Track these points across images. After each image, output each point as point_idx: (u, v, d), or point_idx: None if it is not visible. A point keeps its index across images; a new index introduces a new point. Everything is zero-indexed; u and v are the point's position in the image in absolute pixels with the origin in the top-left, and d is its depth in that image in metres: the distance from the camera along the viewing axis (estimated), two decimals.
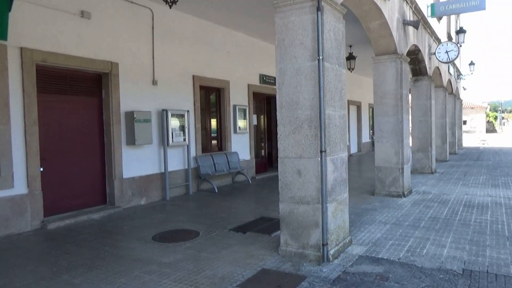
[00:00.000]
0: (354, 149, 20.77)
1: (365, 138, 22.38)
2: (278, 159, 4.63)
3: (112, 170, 7.49)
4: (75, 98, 7.09)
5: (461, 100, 24.38)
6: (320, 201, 4.35)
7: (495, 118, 68.84)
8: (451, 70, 18.26)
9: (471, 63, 21.53)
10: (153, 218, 6.74)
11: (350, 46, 13.08)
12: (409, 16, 9.13)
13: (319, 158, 4.33)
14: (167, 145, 8.50)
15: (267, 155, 13.19)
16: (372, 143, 23.32)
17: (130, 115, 7.70)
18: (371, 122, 23.40)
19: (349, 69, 13.40)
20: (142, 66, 8.11)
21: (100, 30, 7.24)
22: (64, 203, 6.84)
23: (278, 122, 4.60)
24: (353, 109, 20.63)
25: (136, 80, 7.97)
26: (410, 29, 9.25)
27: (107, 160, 7.55)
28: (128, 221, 6.57)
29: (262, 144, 13.01)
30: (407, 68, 8.63)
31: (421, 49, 10.56)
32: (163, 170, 8.55)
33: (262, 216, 6.69)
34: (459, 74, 21.98)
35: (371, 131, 23.72)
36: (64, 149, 6.88)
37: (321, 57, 4.29)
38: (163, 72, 8.60)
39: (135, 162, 7.93)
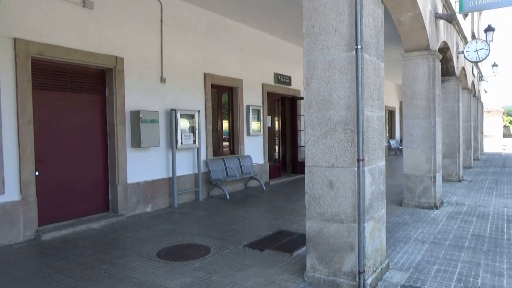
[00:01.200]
0: None
1: None
2: (305, 168, 3.92)
3: (115, 174, 6.85)
4: (75, 95, 6.47)
5: (483, 104, 23.38)
6: (357, 219, 3.63)
7: (510, 122, 67.42)
8: (475, 71, 17.35)
9: (494, 65, 20.55)
10: (159, 229, 6.07)
11: None
12: (440, 9, 8.35)
13: (356, 168, 3.61)
14: (176, 148, 7.84)
15: (281, 159, 12.47)
16: (389, 147, 22.45)
17: (135, 115, 7.06)
18: (388, 126, 22.53)
19: None
20: (149, 62, 7.47)
21: (103, 21, 6.62)
22: (61, 210, 6.22)
23: (305, 125, 3.89)
24: None
25: (142, 77, 7.33)
26: (441, 24, 8.47)
27: (110, 163, 6.91)
28: (131, 232, 5.91)
29: (276, 147, 12.29)
30: (439, 66, 7.85)
31: (449, 46, 9.75)
32: (171, 175, 7.89)
33: (281, 229, 5.97)
34: (481, 76, 21.01)
35: (387, 135, 22.84)
36: (62, 151, 6.25)
37: (359, 47, 3.57)
38: (172, 69, 7.95)
39: (140, 166, 7.29)
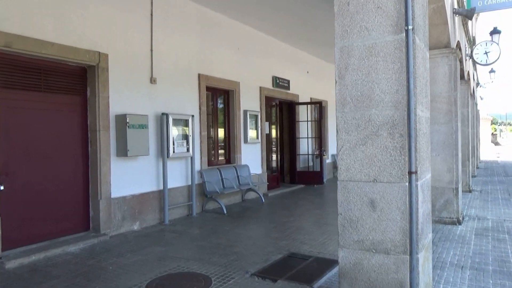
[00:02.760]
0: None
1: None
2: (338, 182, 3.10)
3: (97, 187, 5.93)
4: (51, 96, 5.56)
5: (479, 111, 23.04)
6: (408, 249, 2.81)
7: (495, 130, 68.47)
8: (475, 76, 16.90)
9: (492, 71, 20.16)
10: (148, 253, 5.17)
11: None
12: (456, 5, 7.70)
13: (407, 183, 2.81)
14: (168, 157, 6.95)
15: (279, 168, 11.64)
16: None
17: (121, 120, 6.17)
18: None
19: None
20: (138, 59, 6.61)
21: (85, 11, 5.75)
22: (31, 231, 5.26)
23: (337, 128, 3.08)
24: None
25: (130, 76, 6.46)
26: (456, 21, 7.81)
27: (91, 175, 5.99)
28: (115, 257, 4.98)
29: (274, 155, 11.47)
30: (459, 66, 7.17)
31: (461, 47, 9.12)
32: (161, 187, 6.98)
33: (291, 252, 5.12)
34: (477, 82, 20.62)
35: None
36: (34, 161, 5.32)
37: (410, 27, 2.79)
38: (163, 68, 7.10)
39: (127, 178, 6.38)
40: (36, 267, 4.63)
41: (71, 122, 5.81)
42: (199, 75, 7.95)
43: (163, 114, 6.94)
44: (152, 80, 6.82)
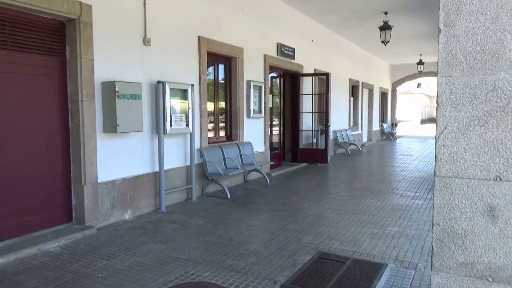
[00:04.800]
0: (365, 138, 18.50)
1: (375, 125, 20.13)
2: (436, 179, 2.14)
3: (80, 170, 4.88)
4: (19, 56, 4.40)
5: None
6: None
7: None
8: None
9: None
10: (146, 252, 4.21)
11: (386, 13, 10.60)
12: None
13: None
14: (164, 133, 5.91)
15: (282, 146, 10.70)
16: (382, 131, 21.16)
17: (109, 88, 5.07)
18: (380, 109, 21.16)
19: (383, 42, 10.94)
20: (128, 14, 5.44)
21: None
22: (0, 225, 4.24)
23: (439, 100, 2.10)
24: (365, 92, 18.27)
25: (119, 34, 5.31)
26: None
27: (73, 155, 4.93)
28: (105, 259, 4.02)
29: (276, 131, 10.51)
30: None
31: None
32: (157, 169, 5.98)
33: (321, 251, 4.24)
34: None
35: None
36: None
37: None
38: (158, 27, 5.94)
39: (116, 158, 5.34)
40: (3, 275, 3.64)
41: (47, 89, 4.68)
42: (199, 37, 6.81)
43: (158, 82, 5.84)
44: (146, 41, 5.67)
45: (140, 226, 5.15)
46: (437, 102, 2.18)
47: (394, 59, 20.23)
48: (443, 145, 2.15)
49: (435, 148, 2.18)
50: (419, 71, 19.63)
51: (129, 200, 5.53)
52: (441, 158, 2.17)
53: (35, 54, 4.55)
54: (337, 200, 6.65)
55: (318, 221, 5.42)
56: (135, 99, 5.32)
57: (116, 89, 5.02)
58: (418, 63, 18.91)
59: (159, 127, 5.86)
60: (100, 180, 5.09)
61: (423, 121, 51.66)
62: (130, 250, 4.26)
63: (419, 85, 53.36)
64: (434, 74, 21.43)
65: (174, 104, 6.10)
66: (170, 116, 5.98)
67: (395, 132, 22.65)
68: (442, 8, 2.09)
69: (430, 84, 53.00)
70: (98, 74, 4.99)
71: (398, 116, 25.38)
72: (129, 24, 5.44)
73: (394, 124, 23.02)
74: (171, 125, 6.00)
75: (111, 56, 5.18)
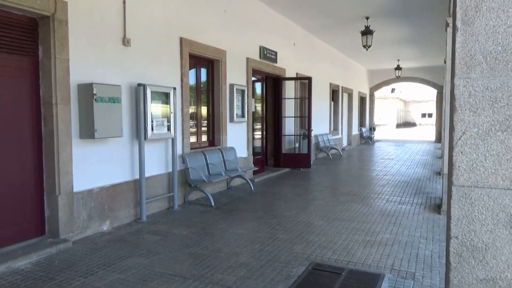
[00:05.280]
0: (345, 142, 18.56)
1: (355, 130, 20.26)
2: (453, 188, 1.98)
3: (54, 179, 4.52)
4: None
5: None
6: None
7: None
8: None
9: None
10: (127, 267, 3.91)
11: (367, 18, 10.61)
12: None
13: None
14: (145, 139, 5.60)
15: (264, 151, 10.50)
16: (361, 135, 21.31)
17: (86, 90, 4.74)
18: (359, 113, 21.32)
19: (364, 46, 10.94)
20: (107, 12, 5.13)
21: None
22: None
23: (455, 103, 1.93)
24: (345, 97, 18.36)
25: (97, 33, 4.99)
26: None
27: (46, 163, 4.56)
28: (83, 277, 3.69)
29: (258, 136, 10.31)
30: None
31: None
32: (137, 177, 5.66)
33: (314, 262, 4.04)
34: None
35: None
36: None
37: None
38: (139, 27, 5.65)
39: (94, 166, 5.00)
40: None
41: (17, 92, 4.32)
42: (181, 39, 6.54)
43: (139, 85, 5.54)
44: (126, 41, 5.37)
45: (120, 238, 4.82)
46: (454, 105, 2.00)
47: (372, 64, 20.45)
48: (461, 152, 1.98)
49: (453, 155, 2.00)
50: (396, 76, 19.90)
51: (107, 210, 5.19)
52: (459, 166, 1.99)
53: (4, 53, 4.19)
54: (324, 206, 6.50)
55: (307, 229, 5.23)
56: (114, 102, 5.00)
57: (94, 91, 4.69)
58: (396, 68, 19.16)
59: (139, 132, 5.55)
60: (76, 189, 4.74)
61: (398, 125, 52.69)
62: (110, 266, 3.94)
63: (393, 90, 54.42)
64: (411, 79, 21.78)
65: (155, 108, 5.81)
66: (151, 121, 5.68)
67: (373, 136, 22.89)
68: (460, 5, 1.92)
69: (404, 89, 54.09)
70: (74, 75, 4.66)
71: (375, 120, 25.66)
72: (108, 23, 5.13)
73: (372, 128, 23.25)
74: (152, 130, 5.70)
75: (88, 56, 4.86)
